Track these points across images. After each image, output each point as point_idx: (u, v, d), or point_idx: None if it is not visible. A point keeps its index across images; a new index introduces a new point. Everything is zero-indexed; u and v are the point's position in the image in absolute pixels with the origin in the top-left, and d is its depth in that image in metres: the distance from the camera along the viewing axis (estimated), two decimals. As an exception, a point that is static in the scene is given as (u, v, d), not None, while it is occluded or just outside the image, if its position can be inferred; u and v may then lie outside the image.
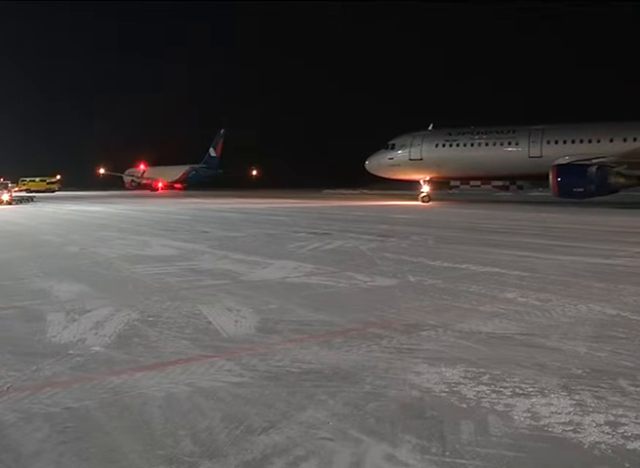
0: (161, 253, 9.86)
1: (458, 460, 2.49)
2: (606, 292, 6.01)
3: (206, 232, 13.91)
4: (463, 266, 7.92)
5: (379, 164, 30.77)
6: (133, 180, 78.79)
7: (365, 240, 11.54)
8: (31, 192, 41.06)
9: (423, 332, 4.54)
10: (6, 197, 32.73)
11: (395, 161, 29.88)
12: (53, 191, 44.07)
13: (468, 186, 44.99)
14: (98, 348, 4.21)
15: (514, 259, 8.52)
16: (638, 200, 26.10)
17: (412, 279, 6.97)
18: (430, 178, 29.94)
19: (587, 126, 27.87)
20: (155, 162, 77.99)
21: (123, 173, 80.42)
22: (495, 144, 28.52)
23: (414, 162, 29.46)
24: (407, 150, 29.60)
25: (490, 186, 38.18)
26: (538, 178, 31.32)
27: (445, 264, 8.12)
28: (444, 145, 29.26)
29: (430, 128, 30.66)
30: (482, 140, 28.85)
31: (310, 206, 27.81)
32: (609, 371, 3.58)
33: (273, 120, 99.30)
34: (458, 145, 29.11)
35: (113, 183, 79.60)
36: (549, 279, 6.88)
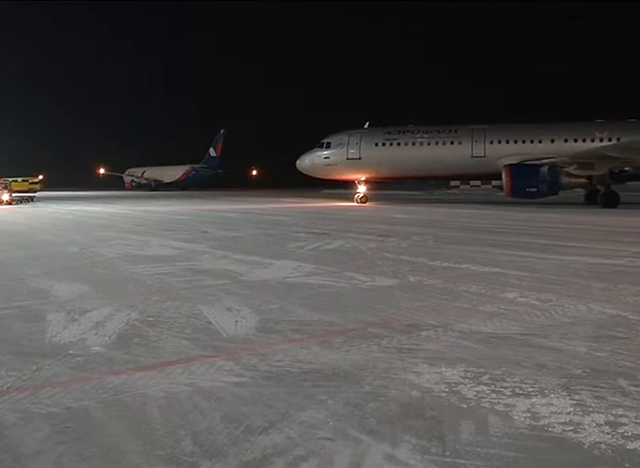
0: (161, 252, 9.86)
1: (458, 460, 2.49)
2: (606, 292, 6.01)
3: (206, 232, 13.91)
4: (463, 266, 7.92)
5: (312, 163, 29.27)
6: (133, 180, 78.83)
7: (365, 240, 11.54)
8: (14, 192, 40.63)
9: (423, 332, 4.54)
10: (6, 197, 32.76)
11: (331, 160, 28.57)
12: (35, 191, 43.66)
13: (468, 186, 44.88)
14: (98, 348, 4.20)
15: (514, 259, 8.52)
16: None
17: (412, 279, 6.97)
18: (367, 179, 28.98)
19: (529, 126, 28.03)
20: (155, 162, 78.18)
21: (123, 173, 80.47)
22: (437, 144, 27.90)
23: (352, 161, 28.31)
24: (344, 149, 28.34)
25: (490, 186, 37.93)
26: (480, 178, 30.81)
27: (445, 264, 8.12)
28: (384, 144, 28.32)
29: (366, 126, 29.63)
30: (424, 139, 28.11)
31: (310, 205, 27.82)
32: (609, 371, 3.58)
33: (273, 120, 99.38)
34: (399, 144, 28.23)
35: (113, 183, 79.71)
36: (549, 279, 6.88)
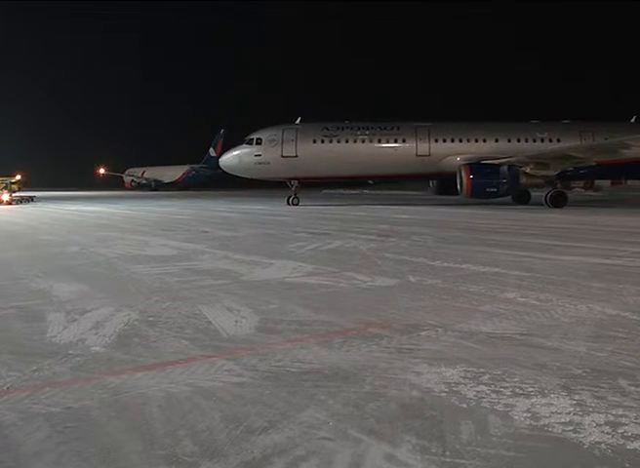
0: (161, 252, 9.85)
1: (458, 460, 2.48)
2: (606, 292, 6.01)
3: (206, 232, 13.91)
4: (463, 266, 7.92)
5: (241, 162, 26.49)
6: (133, 180, 78.87)
7: (365, 240, 11.54)
8: None
9: (423, 332, 4.53)
10: (6, 197, 32.77)
11: (264, 158, 25.83)
12: (14, 191, 43.35)
13: None
14: (97, 348, 4.20)
15: (514, 259, 8.51)
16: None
17: (412, 279, 6.97)
18: (303, 178, 26.77)
19: (473, 125, 27.65)
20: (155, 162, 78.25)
21: (123, 173, 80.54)
22: (380, 141, 26.41)
23: (287, 159, 25.74)
24: (278, 146, 25.77)
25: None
26: (425, 178, 29.25)
27: (445, 264, 8.12)
28: (322, 141, 26.08)
29: (298, 121, 27.32)
30: (365, 136, 26.43)
31: (309, 206, 27.80)
32: (609, 371, 3.58)
33: (272, 120, 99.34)
34: (339, 141, 26.14)
35: (113, 183, 79.84)
36: (549, 279, 6.88)
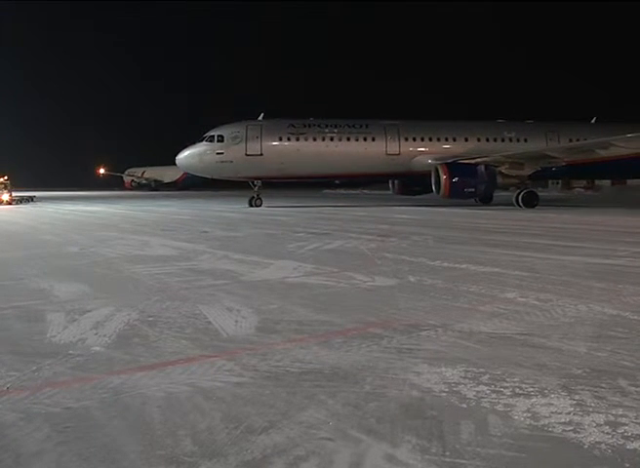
0: (161, 252, 9.85)
1: (458, 460, 2.48)
2: (606, 293, 6.01)
3: (206, 232, 13.91)
4: (463, 266, 7.92)
5: (201, 160, 24.76)
6: (133, 180, 78.94)
7: (365, 240, 11.54)
8: None
9: (423, 332, 4.53)
10: (6, 197, 32.78)
11: (226, 156, 24.35)
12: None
13: None
14: (98, 348, 4.20)
15: (514, 259, 8.52)
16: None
17: (412, 279, 6.97)
18: (267, 178, 25.70)
19: (443, 124, 27.39)
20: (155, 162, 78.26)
21: (123, 173, 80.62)
22: (349, 140, 25.66)
23: (252, 158, 24.38)
24: (242, 143, 24.41)
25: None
26: (395, 177, 28.54)
27: (445, 264, 8.12)
28: (289, 139, 24.97)
29: (261, 118, 26.10)
30: (334, 134, 25.43)
31: (309, 206, 27.79)
32: (609, 371, 3.58)
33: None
34: (306, 139, 25.07)
35: (113, 183, 79.97)
36: (549, 279, 6.88)
